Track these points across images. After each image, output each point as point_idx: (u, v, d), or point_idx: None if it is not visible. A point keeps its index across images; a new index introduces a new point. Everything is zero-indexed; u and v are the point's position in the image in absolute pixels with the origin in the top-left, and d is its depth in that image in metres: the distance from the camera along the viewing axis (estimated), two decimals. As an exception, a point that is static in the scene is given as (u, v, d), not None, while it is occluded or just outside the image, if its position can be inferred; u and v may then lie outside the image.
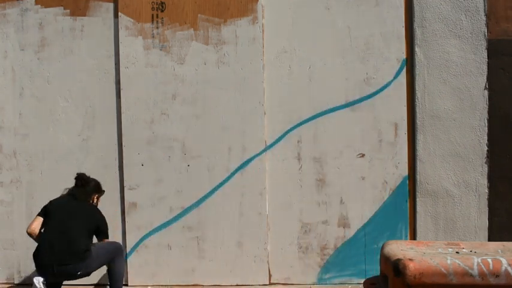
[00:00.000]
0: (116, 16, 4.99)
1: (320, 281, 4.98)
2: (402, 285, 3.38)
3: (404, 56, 4.89)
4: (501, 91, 4.83)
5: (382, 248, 3.77)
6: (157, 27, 4.95)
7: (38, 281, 4.19)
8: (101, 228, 4.43)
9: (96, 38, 5.03)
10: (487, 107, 4.83)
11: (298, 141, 4.94)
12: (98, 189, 4.58)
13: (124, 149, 4.98)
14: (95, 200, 4.57)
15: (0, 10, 5.08)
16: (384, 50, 4.89)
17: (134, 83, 4.96)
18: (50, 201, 4.42)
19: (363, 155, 4.93)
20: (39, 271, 4.21)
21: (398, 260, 3.43)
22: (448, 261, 3.40)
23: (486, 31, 4.82)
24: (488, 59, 4.82)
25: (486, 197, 4.85)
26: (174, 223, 4.98)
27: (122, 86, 4.98)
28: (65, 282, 4.37)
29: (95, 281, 4.99)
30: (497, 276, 3.34)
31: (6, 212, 5.11)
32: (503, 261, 3.38)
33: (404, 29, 4.89)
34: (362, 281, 4.66)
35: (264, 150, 4.92)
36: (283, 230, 4.96)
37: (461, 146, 4.85)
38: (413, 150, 4.89)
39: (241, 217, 4.92)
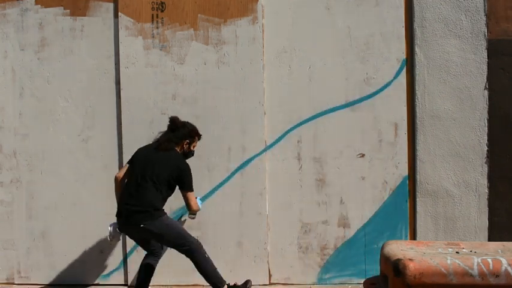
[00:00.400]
0: (116, 16, 4.99)
1: (320, 281, 4.98)
2: (402, 285, 3.38)
3: (404, 56, 4.89)
4: (501, 91, 4.83)
5: (382, 248, 3.77)
6: (157, 27, 4.95)
7: (110, 225, 4.36)
8: (182, 178, 4.26)
9: (96, 38, 5.03)
10: (487, 107, 4.83)
11: (298, 141, 4.94)
12: (189, 134, 4.40)
13: (124, 149, 4.98)
14: (185, 147, 4.38)
15: (0, 10, 5.08)
16: (384, 50, 4.89)
17: (134, 83, 4.96)
18: (138, 149, 4.42)
19: (363, 155, 4.93)
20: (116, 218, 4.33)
21: (398, 260, 3.43)
22: (448, 261, 3.40)
23: (486, 31, 4.82)
24: (488, 59, 4.82)
25: (486, 197, 4.85)
26: (174, 223, 4.97)
27: (121, 86, 4.98)
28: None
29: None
30: (497, 276, 3.33)
31: (6, 212, 5.11)
32: (503, 261, 3.38)
33: (404, 29, 4.89)
34: (362, 281, 4.66)
35: (264, 150, 4.92)
36: (283, 230, 4.96)
37: (461, 146, 4.85)
38: (413, 150, 4.89)
39: (241, 217, 4.92)
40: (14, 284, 5.12)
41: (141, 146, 4.95)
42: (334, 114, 4.90)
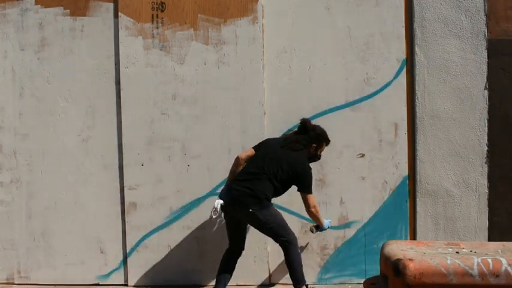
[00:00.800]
0: (116, 16, 4.99)
1: (320, 281, 4.98)
2: (402, 285, 3.38)
3: (404, 56, 4.89)
4: (501, 91, 4.84)
5: (382, 248, 3.78)
6: (157, 27, 4.95)
7: (217, 202, 4.32)
8: (300, 179, 4.29)
9: (96, 38, 5.03)
10: (487, 107, 4.83)
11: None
12: (317, 138, 4.43)
13: (124, 149, 4.98)
14: (312, 150, 4.41)
15: (0, 10, 5.08)
16: (384, 50, 4.89)
17: (134, 83, 4.96)
18: (267, 139, 4.52)
19: (363, 155, 4.93)
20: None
21: (398, 260, 3.44)
22: (448, 261, 3.40)
23: (486, 31, 4.82)
24: (488, 59, 4.82)
25: (486, 197, 4.85)
26: (174, 223, 4.98)
27: (121, 86, 4.98)
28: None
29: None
30: (497, 276, 3.34)
31: (6, 212, 5.11)
32: (503, 261, 3.39)
33: (404, 29, 4.89)
34: (362, 281, 4.66)
35: (264, 150, 4.91)
36: (283, 230, 4.96)
37: (461, 146, 4.85)
38: (413, 150, 4.89)
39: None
40: (14, 284, 5.12)
41: (141, 146, 4.96)
42: (334, 114, 4.90)
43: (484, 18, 4.82)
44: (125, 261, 5.03)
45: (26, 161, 5.09)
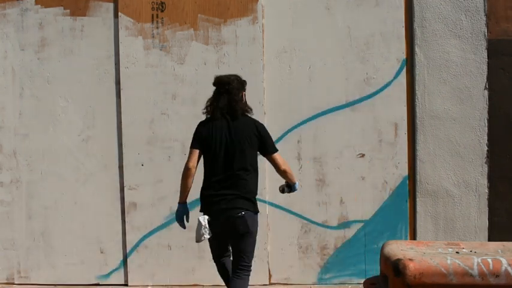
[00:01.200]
0: (116, 16, 4.99)
1: (320, 281, 4.98)
2: (402, 285, 3.38)
3: (404, 56, 4.89)
4: (501, 91, 4.83)
5: (382, 248, 3.77)
6: (157, 27, 4.95)
7: (204, 218, 3.70)
8: (265, 140, 3.75)
9: (96, 38, 5.02)
10: (487, 107, 4.83)
11: (298, 141, 4.94)
12: (242, 85, 3.83)
13: (124, 149, 4.98)
14: (244, 101, 3.82)
15: (0, 10, 5.08)
16: (384, 50, 4.89)
17: (134, 83, 4.96)
18: (200, 128, 3.77)
19: (363, 155, 4.93)
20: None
21: (398, 260, 3.43)
22: (448, 261, 3.40)
23: (486, 31, 4.82)
24: (488, 59, 4.82)
25: (486, 197, 4.85)
26: (174, 223, 4.97)
27: (121, 86, 4.98)
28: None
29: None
30: (497, 276, 3.33)
31: (6, 212, 5.11)
32: (503, 261, 3.38)
33: (404, 29, 4.89)
34: (362, 281, 4.65)
35: (264, 150, 4.91)
36: (283, 230, 4.96)
37: (461, 146, 4.85)
38: (413, 150, 4.89)
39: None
40: (14, 284, 5.12)
41: (141, 145, 4.95)
42: (334, 114, 4.90)
43: (484, 18, 4.82)
44: (125, 261, 5.03)
45: (26, 161, 5.09)
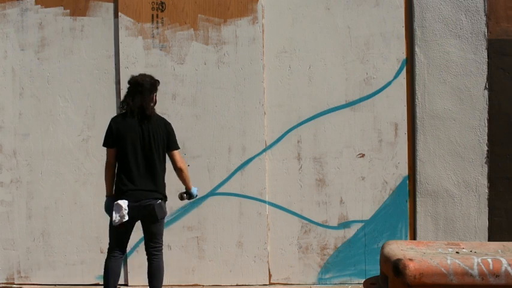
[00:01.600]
0: (116, 16, 4.99)
1: (320, 281, 4.98)
2: (402, 285, 3.38)
3: (404, 56, 4.89)
4: (501, 91, 4.83)
5: (382, 248, 3.77)
6: (157, 27, 4.95)
7: (124, 202, 4.03)
8: (171, 137, 4.15)
9: (96, 38, 5.02)
10: (487, 107, 4.83)
11: (298, 141, 4.94)
12: (154, 86, 4.16)
13: (124, 149, 4.97)
14: (155, 100, 4.19)
15: (0, 10, 5.08)
16: (384, 50, 4.89)
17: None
18: (113, 126, 4.07)
19: (363, 155, 4.93)
20: None
21: (399, 260, 3.43)
22: (448, 261, 3.40)
23: (486, 31, 4.82)
24: (488, 59, 4.82)
25: (486, 197, 4.85)
26: (174, 223, 4.98)
27: (121, 86, 4.97)
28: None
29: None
30: (497, 276, 3.33)
31: (6, 212, 5.11)
32: (503, 261, 3.38)
33: (404, 29, 4.89)
34: (362, 281, 4.66)
35: (264, 150, 4.92)
36: (283, 230, 4.96)
37: (461, 146, 4.85)
38: (413, 150, 4.89)
39: (241, 217, 4.92)
40: (14, 284, 5.12)
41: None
42: (334, 114, 4.90)
43: (484, 18, 4.82)
44: (124, 261, 5.03)
45: (26, 161, 5.09)
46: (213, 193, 4.92)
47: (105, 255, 5.01)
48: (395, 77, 4.90)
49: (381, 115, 4.91)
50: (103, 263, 5.03)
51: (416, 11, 4.85)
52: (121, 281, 5.04)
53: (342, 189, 4.94)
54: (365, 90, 4.90)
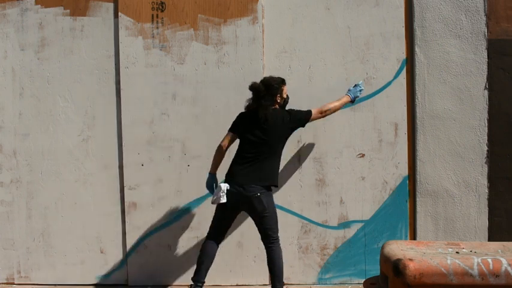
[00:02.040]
0: (116, 16, 4.99)
1: (320, 281, 4.98)
2: (402, 285, 3.38)
3: (404, 56, 4.90)
4: (501, 91, 4.83)
5: (382, 248, 3.78)
6: (157, 27, 4.95)
7: (225, 185, 4.32)
8: (296, 116, 4.41)
9: (96, 38, 5.03)
10: (487, 107, 4.83)
11: (298, 141, 4.94)
12: (279, 89, 4.39)
13: (124, 149, 4.98)
14: (281, 102, 4.43)
15: (0, 10, 5.08)
16: (384, 50, 4.89)
17: (134, 83, 4.96)
18: (242, 117, 4.41)
19: (363, 155, 4.93)
20: None
21: (399, 260, 3.44)
22: (448, 261, 3.40)
23: (486, 31, 4.82)
24: (488, 59, 4.82)
25: (486, 197, 4.85)
26: (174, 223, 4.98)
27: (121, 86, 4.98)
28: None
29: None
30: (497, 276, 3.34)
31: (6, 212, 5.11)
32: (503, 261, 3.39)
33: (404, 29, 4.89)
34: (362, 281, 4.67)
35: (264, 150, 4.91)
36: (283, 230, 4.96)
37: (461, 146, 4.85)
38: (413, 150, 4.89)
39: (241, 217, 4.91)
40: (14, 284, 5.12)
41: (141, 145, 4.95)
42: (334, 114, 4.90)
43: (484, 18, 4.82)
44: (125, 261, 5.03)
45: (26, 161, 5.09)
46: (213, 193, 4.91)
47: (105, 255, 5.05)
48: (395, 77, 4.90)
49: (380, 115, 4.91)
50: (103, 263, 5.05)
51: (416, 11, 4.85)
52: (121, 281, 5.05)
53: (342, 189, 4.94)
54: (365, 90, 4.90)
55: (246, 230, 4.91)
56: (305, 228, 4.96)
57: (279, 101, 4.40)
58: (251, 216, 4.41)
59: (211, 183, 4.45)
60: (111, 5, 5.00)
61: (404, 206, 4.92)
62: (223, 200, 4.25)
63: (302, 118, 4.44)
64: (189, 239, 4.98)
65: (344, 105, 4.64)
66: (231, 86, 4.91)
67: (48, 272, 5.09)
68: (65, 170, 5.04)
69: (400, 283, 3.39)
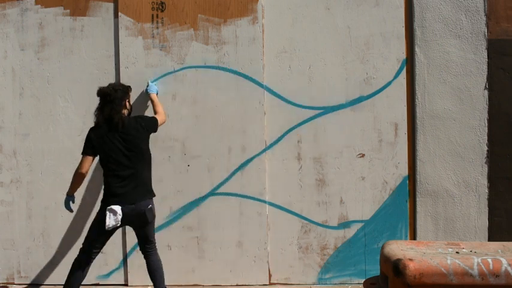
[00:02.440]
0: (116, 16, 4.99)
1: (320, 281, 4.98)
2: (402, 285, 3.38)
3: (404, 56, 4.89)
4: (501, 91, 4.83)
5: (382, 248, 3.77)
6: (157, 27, 4.95)
7: (118, 207, 4.23)
8: (147, 122, 4.40)
9: (96, 38, 5.03)
10: (487, 107, 4.83)
11: (298, 141, 4.94)
12: (126, 93, 4.40)
13: (124, 149, 4.97)
14: (129, 107, 4.43)
15: (0, 10, 5.08)
16: (384, 50, 4.89)
17: (134, 83, 4.96)
18: (90, 137, 4.28)
19: (363, 155, 4.93)
20: None
21: (399, 260, 3.44)
22: (448, 261, 3.40)
23: (486, 31, 4.82)
24: (488, 59, 4.82)
25: (486, 197, 4.85)
26: (174, 223, 4.98)
27: (122, 86, 4.98)
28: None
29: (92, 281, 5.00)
30: (497, 276, 3.34)
31: (6, 212, 5.11)
32: (503, 261, 3.39)
33: (404, 29, 4.89)
34: (362, 281, 4.67)
35: (264, 150, 4.92)
36: (283, 230, 4.96)
37: (461, 146, 4.85)
38: (413, 150, 4.89)
39: (241, 217, 4.92)
40: (14, 284, 5.12)
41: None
42: (334, 114, 4.90)
43: (484, 18, 4.82)
44: (124, 261, 5.03)
45: (26, 161, 5.09)
46: (213, 193, 4.92)
47: (105, 256, 5.04)
48: (395, 77, 4.90)
49: (380, 115, 4.91)
50: (103, 263, 5.05)
51: (416, 11, 4.85)
52: (121, 281, 5.05)
53: (342, 189, 4.94)
54: (365, 90, 4.90)
55: (246, 230, 4.92)
56: (305, 228, 4.96)
57: (127, 107, 4.39)
58: (134, 227, 4.34)
59: (69, 203, 4.41)
60: (111, 5, 5.00)
61: (404, 206, 4.92)
62: (119, 222, 4.17)
63: (155, 124, 4.45)
64: (189, 239, 4.98)
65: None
66: (231, 86, 4.91)
67: (48, 272, 5.09)
68: (65, 170, 5.04)
69: (400, 283, 3.39)
